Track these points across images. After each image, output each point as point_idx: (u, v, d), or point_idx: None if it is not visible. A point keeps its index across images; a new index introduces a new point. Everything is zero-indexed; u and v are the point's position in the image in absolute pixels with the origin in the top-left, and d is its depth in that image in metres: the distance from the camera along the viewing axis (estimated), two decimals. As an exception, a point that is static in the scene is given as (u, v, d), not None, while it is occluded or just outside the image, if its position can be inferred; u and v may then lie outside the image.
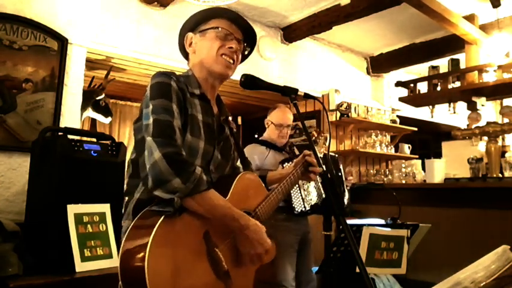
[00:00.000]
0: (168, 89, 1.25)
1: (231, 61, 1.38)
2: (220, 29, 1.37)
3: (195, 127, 1.28)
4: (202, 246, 1.14)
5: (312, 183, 2.58)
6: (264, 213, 1.37)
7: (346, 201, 2.83)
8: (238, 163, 1.54)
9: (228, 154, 1.43)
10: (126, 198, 1.30)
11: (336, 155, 2.98)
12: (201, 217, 1.15)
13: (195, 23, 1.42)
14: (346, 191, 2.84)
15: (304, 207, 2.54)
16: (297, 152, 2.82)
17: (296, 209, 2.56)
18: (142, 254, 1.00)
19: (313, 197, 2.56)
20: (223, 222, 1.20)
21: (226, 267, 1.18)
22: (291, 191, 2.55)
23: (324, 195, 2.56)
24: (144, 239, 1.02)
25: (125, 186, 1.33)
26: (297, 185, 2.54)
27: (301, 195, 2.55)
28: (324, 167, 1.27)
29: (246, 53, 1.50)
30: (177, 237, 1.09)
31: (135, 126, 1.31)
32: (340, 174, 2.81)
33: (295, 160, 1.65)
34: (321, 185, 2.58)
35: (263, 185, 1.48)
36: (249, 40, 1.48)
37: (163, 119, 1.18)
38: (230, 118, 1.51)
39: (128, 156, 1.46)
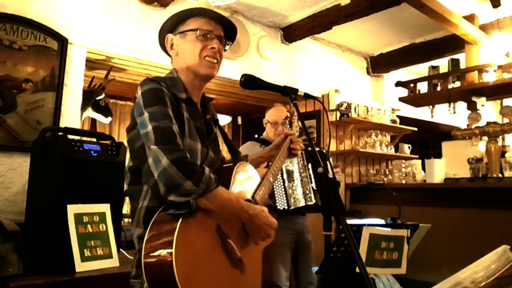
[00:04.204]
0: (161, 95, 1.26)
1: (215, 61, 1.39)
2: (199, 30, 1.36)
3: (192, 130, 1.31)
4: (216, 240, 1.21)
5: (298, 181, 2.55)
6: (261, 198, 1.45)
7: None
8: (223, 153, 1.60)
9: (218, 151, 1.48)
10: (130, 202, 1.32)
11: (324, 150, 2.97)
12: (212, 212, 1.20)
13: (174, 24, 1.41)
14: None
15: (287, 205, 2.49)
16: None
17: (278, 206, 2.51)
18: (169, 256, 1.06)
19: (298, 195, 2.52)
20: (233, 215, 1.26)
21: (239, 255, 1.24)
22: (274, 188, 2.52)
23: (311, 194, 2.53)
24: (167, 241, 1.08)
25: (126, 191, 1.34)
26: (281, 182, 2.53)
27: (286, 193, 2.52)
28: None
29: (227, 48, 1.48)
30: (195, 235, 1.15)
31: (130, 134, 1.31)
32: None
33: (274, 142, 1.73)
34: (309, 184, 2.56)
35: (255, 171, 1.55)
36: (229, 34, 1.48)
37: (164, 125, 1.19)
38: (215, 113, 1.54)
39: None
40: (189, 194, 1.13)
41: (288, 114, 1.85)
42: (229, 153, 1.58)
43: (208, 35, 1.37)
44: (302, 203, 2.49)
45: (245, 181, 1.44)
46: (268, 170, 1.54)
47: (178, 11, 1.41)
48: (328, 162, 2.87)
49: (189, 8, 1.40)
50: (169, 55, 1.47)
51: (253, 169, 1.53)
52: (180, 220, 1.11)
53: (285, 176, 2.54)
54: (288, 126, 1.84)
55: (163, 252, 1.08)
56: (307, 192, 2.52)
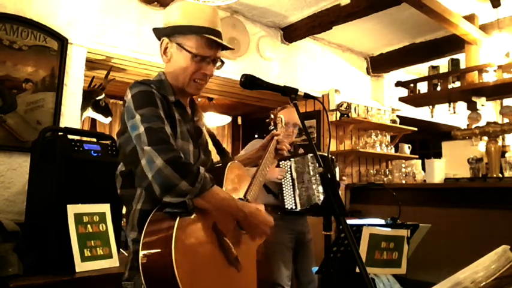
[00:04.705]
0: (152, 97, 1.25)
1: (203, 82, 1.39)
2: (197, 57, 1.32)
3: (183, 132, 1.31)
4: (213, 238, 1.21)
5: (308, 183, 2.59)
6: (252, 197, 1.45)
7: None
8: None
9: (208, 151, 1.48)
10: (124, 206, 1.33)
11: (332, 156, 3.00)
12: (207, 212, 1.20)
13: (173, 31, 1.36)
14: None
15: (295, 205, 2.57)
16: (301, 151, 2.85)
17: (286, 206, 2.59)
18: (168, 256, 1.05)
19: (306, 197, 2.57)
20: (228, 213, 1.26)
21: (235, 253, 1.26)
22: (283, 187, 2.61)
23: (320, 195, 2.56)
24: (165, 242, 1.07)
25: (119, 195, 1.34)
26: (290, 182, 2.59)
27: (294, 194, 2.58)
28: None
29: (218, 64, 1.43)
30: (193, 234, 1.15)
31: (121, 139, 1.30)
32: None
33: (261, 143, 1.73)
34: (319, 186, 2.58)
35: (246, 171, 1.56)
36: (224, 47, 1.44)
37: (156, 126, 1.18)
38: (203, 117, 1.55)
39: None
40: (185, 194, 1.12)
41: (272, 116, 1.85)
42: (218, 153, 1.59)
43: (205, 59, 1.35)
44: (309, 204, 2.54)
45: (236, 181, 1.45)
46: (257, 171, 1.55)
47: (182, 23, 1.33)
48: (335, 168, 2.95)
49: (194, 24, 1.33)
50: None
51: (243, 169, 1.55)
52: (178, 219, 1.10)
53: (294, 177, 2.60)
54: (273, 127, 1.85)
55: (162, 252, 1.08)
56: (316, 193, 2.56)
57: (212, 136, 1.58)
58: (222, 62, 1.43)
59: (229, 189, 1.36)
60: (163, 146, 1.15)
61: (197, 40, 1.33)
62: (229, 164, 1.43)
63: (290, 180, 2.60)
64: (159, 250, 1.09)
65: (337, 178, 2.89)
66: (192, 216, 1.15)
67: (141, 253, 1.10)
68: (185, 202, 1.12)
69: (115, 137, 2.40)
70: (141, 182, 1.19)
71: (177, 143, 1.24)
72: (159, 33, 1.40)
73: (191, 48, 1.32)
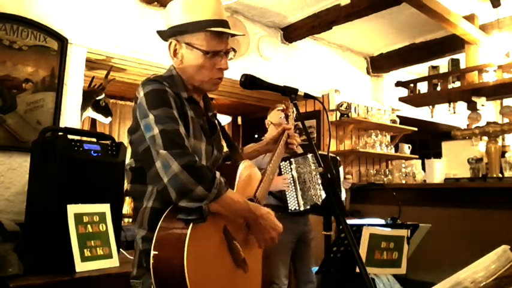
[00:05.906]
0: (165, 96, 1.21)
1: (221, 77, 1.35)
2: (209, 53, 1.27)
3: (196, 130, 1.28)
4: (223, 241, 1.23)
5: (310, 183, 2.60)
6: (262, 196, 1.45)
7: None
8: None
9: (221, 148, 1.47)
10: (133, 202, 1.32)
11: (336, 156, 3.00)
12: (219, 215, 1.20)
13: (179, 31, 1.29)
14: (342, 191, 2.88)
15: (298, 206, 2.56)
16: (299, 151, 2.85)
17: (290, 207, 2.58)
18: (180, 261, 1.06)
19: (309, 197, 2.57)
20: (240, 216, 1.27)
21: (243, 256, 1.27)
22: (286, 191, 2.59)
23: (319, 196, 2.58)
24: (178, 246, 1.08)
25: (128, 190, 1.33)
26: (292, 183, 2.58)
27: (296, 194, 2.57)
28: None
29: (231, 55, 1.38)
30: (205, 239, 1.16)
31: (133, 136, 1.27)
32: (338, 174, 2.85)
33: (268, 137, 1.70)
34: (318, 185, 2.59)
35: (257, 169, 1.54)
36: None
37: (171, 129, 1.15)
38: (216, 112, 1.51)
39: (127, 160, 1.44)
40: (201, 200, 1.11)
41: (284, 107, 1.82)
42: (228, 148, 1.56)
43: (218, 53, 1.30)
44: (312, 204, 2.55)
45: (247, 179, 1.45)
46: (267, 166, 1.54)
47: (186, 20, 1.27)
48: (339, 168, 2.95)
49: (198, 19, 1.26)
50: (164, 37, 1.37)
51: (254, 167, 1.53)
52: (191, 227, 1.10)
53: (295, 177, 2.59)
54: (284, 119, 1.81)
55: (174, 255, 1.08)
56: (318, 193, 2.56)
57: (223, 130, 1.55)
58: (235, 51, 1.38)
59: (241, 190, 1.36)
60: (178, 150, 1.13)
61: (205, 36, 1.27)
62: (241, 163, 1.42)
63: (292, 181, 2.58)
64: (171, 253, 1.09)
65: (342, 178, 2.89)
66: (205, 223, 1.15)
67: (153, 253, 1.10)
68: (201, 207, 1.11)
69: (115, 137, 2.40)
70: (155, 183, 1.17)
71: (189, 142, 1.22)
72: (164, 35, 1.34)
73: (201, 46, 1.27)
